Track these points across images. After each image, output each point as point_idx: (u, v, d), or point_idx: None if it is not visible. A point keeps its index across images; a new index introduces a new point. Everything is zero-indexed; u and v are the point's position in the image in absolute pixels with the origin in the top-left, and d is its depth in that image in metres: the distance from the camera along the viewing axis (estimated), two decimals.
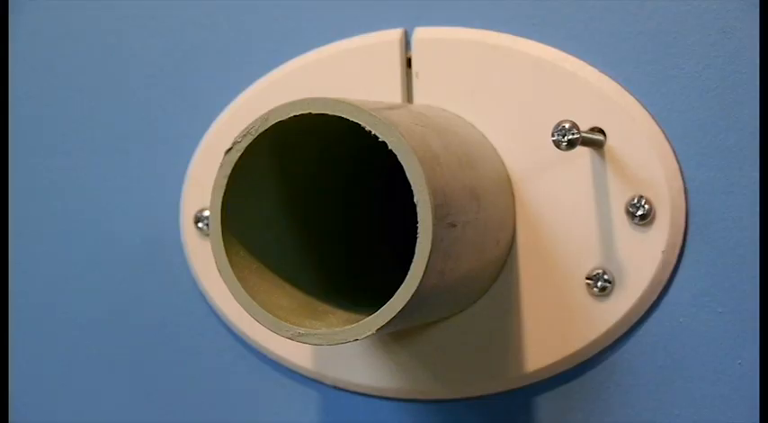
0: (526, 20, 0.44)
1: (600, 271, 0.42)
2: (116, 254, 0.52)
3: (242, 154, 0.38)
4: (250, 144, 0.38)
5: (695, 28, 0.41)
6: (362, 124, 0.36)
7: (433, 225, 0.35)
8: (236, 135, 0.38)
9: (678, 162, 0.42)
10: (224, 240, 0.38)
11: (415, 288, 0.35)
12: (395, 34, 0.46)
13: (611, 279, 0.42)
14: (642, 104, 0.42)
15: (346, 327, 0.37)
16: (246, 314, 0.38)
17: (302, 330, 0.37)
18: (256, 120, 0.38)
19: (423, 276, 0.35)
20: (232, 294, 0.38)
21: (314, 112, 0.37)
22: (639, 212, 0.41)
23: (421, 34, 0.46)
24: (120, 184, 0.52)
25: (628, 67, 0.43)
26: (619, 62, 0.43)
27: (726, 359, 0.42)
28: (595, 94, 0.42)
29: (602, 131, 0.42)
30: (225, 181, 0.38)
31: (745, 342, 0.41)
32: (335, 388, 0.48)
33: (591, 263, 0.42)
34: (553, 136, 0.40)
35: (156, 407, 0.52)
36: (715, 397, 0.42)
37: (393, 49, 0.46)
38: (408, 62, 0.46)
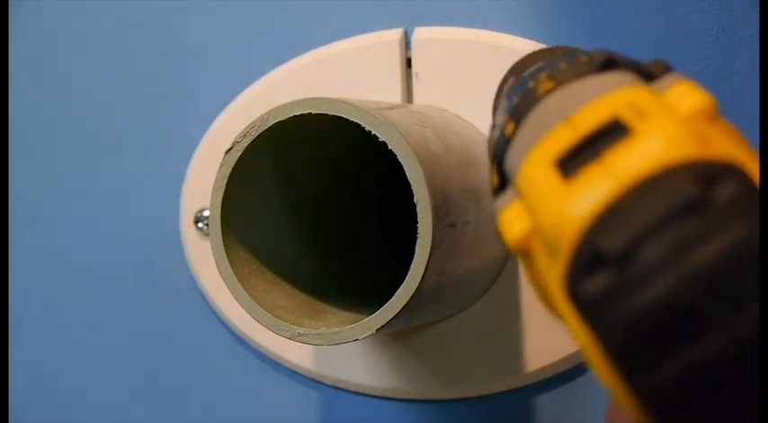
0: (526, 20, 0.44)
1: None
2: (116, 253, 0.52)
3: (242, 154, 0.38)
4: (250, 144, 0.38)
5: (695, 28, 0.41)
6: (362, 124, 0.36)
7: (433, 225, 0.35)
8: (236, 135, 0.38)
9: None
10: (224, 240, 0.38)
11: (414, 288, 0.35)
12: (395, 34, 0.46)
13: None
14: None
15: (346, 327, 0.36)
16: (246, 314, 0.38)
17: (302, 330, 0.37)
18: (256, 120, 0.38)
19: (423, 276, 0.35)
20: (232, 294, 0.38)
21: (314, 112, 0.37)
22: None
23: (421, 34, 0.45)
24: (120, 184, 0.52)
25: None
26: None
27: None
28: None
29: None
30: (225, 181, 0.38)
31: None
32: (335, 388, 0.48)
33: None
34: None
35: (156, 407, 0.52)
36: None
37: (393, 49, 0.46)
38: (408, 62, 0.46)
